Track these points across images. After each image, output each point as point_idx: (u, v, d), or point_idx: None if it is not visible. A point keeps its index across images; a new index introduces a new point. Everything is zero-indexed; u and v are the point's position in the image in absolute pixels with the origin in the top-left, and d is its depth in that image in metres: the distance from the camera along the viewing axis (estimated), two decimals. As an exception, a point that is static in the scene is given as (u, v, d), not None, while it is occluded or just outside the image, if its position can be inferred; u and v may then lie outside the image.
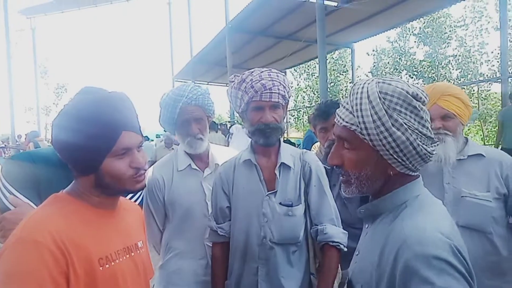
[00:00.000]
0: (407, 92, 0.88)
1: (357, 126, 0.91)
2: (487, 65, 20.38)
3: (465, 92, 1.79)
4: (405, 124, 0.87)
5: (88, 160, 1.01)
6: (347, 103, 0.96)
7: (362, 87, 0.93)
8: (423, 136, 0.90)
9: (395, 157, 0.89)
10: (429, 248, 0.78)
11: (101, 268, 0.99)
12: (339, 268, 1.69)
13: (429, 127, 0.92)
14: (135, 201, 1.57)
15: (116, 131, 1.02)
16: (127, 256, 1.10)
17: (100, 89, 1.08)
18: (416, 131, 0.88)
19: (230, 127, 7.56)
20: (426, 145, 0.90)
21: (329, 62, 23.74)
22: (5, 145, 10.61)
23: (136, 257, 1.14)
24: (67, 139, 1.01)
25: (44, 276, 0.89)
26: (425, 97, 0.91)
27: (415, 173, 0.95)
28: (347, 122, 0.94)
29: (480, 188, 1.62)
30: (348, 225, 1.71)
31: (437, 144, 0.94)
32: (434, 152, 0.93)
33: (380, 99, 0.89)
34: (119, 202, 1.17)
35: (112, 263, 1.03)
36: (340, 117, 0.97)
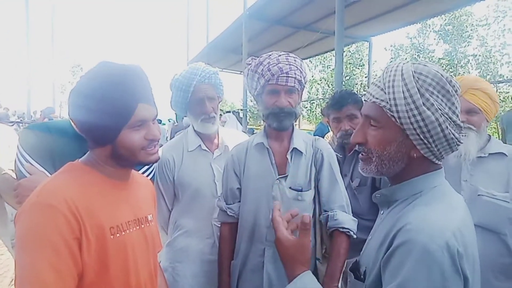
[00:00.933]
0: (442, 75, 0.88)
1: (387, 102, 0.90)
2: (508, 67, 19.92)
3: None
4: (436, 105, 0.86)
5: (105, 132, 1.03)
6: (379, 81, 0.95)
7: (397, 66, 0.92)
8: (452, 122, 0.88)
9: (422, 137, 0.88)
10: (423, 237, 0.77)
11: (111, 236, 1.02)
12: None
13: (459, 115, 0.90)
14: (148, 175, 1.60)
15: (133, 104, 1.03)
16: (137, 227, 1.12)
17: (115, 63, 1.08)
18: (446, 115, 0.87)
19: (222, 115, 7.50)
20: (454, 131, 0.89)
21: (346, 55, 23.42)
22: (20, 120, 10.79)
23: (146, 229, 1.17)
24: (84, 112, 1.02)
25: (58, 240, 0.92)
26: (458, 87, 0.90)
27: (438, 162, 0.93)
28: (377, 98, 0.93)
29: (498, 188, 1.58)
30: (358, 215, 1.72)
31: (464, 135, 0.93)
32: (461, 141, 0.92)
33: (414, 77, 0.88)
34: (132, 175, 1.20)
35: (123, 233, 1.06)
36: (371, 94, 0.96)
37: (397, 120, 0.89)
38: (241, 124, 10.27)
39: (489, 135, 1.71)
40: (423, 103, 0.86)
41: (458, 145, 0.92)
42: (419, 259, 0.75)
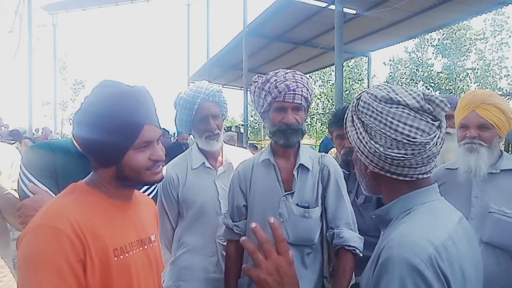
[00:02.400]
0: (376, 97, 0.93)
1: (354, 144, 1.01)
2: (507, 80, 20.08)
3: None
4: (368, 125, 0.93)
5: (111, 153, 1.03)
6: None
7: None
8: (387, 137, 0.89)
9: (384, 170, 0.94)
10: (405, 252, 0.77)
11: (115, 258, 1.01)
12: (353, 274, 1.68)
13: (403, 132, 0.88)
14: (149, 194, 1.59)
15: (139, 125, 1.03)
16: (140, 248, 1.11)
17: (119, 83, 1.09)
18: (379, 132, 0.90)
19: (187, 138, 7.48)
20: (393, 148, 0.88)
21: (345, 70, 23.66)
22: (19, 131, 10.86)
23: (149, 250, 1.16)
24: (90, 134, 1.02)
25: (62, 263, 0.91)
26: (413, 101, 0.88)
27: (424, 177, 0.92)
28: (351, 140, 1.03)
29: (510, 206, 1.53)
30: (364, 232, 1.70)
31: (412, 149, 0.90)
32: (407, 156, 0.88)
33: (355, 113, 0.99)
34: (134, 195, 1.19)
35: (126, 255, 1.05)
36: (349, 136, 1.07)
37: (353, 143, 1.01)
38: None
39: (501, 150, 1.68)
40: (352, 124, 1.00)
41: (406, 160, 0.88)
42: (404, 275, 0.75)
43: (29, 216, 1.01)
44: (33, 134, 14.33)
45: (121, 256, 1.03)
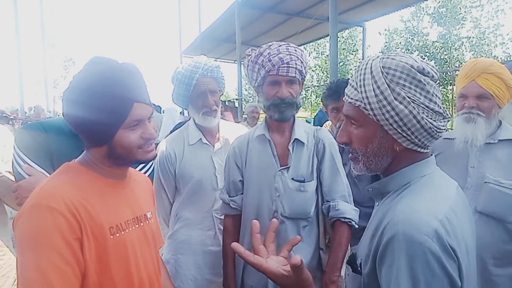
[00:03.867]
0: (412, 66, 0.88)
1: (361, 101, 0.91)
2: (502, 48, 19.95)
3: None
4: (409, 97, 0.87)
5: (101, 132, 1.02)
6: (353, 81, 0.97)
7: (366, 64, 0.93)
8: (429, 110, 0.88)
9: (399, 131, 0.89)
10: (410, 229, 0.78)
11: (111, 236, 1.02)
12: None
13: (438, 102, 0.90)
14: (146, 172, 1.59)
15: (129, 103, 1.02)
16: (137, 226, 1.12)
17: (109, 60, 1.06)
18: (422, 105, 0.87)
19: (163, 111, 7.31)
20: (433, 119, 0.89)
21: (339, 40, 23.32)
22: (14, 116, 10.73)
23: (146, 227, 1.16)
24: (80, 113, 1.01)
25: (60, 241, 0.91)
26: (435, 72, 0.90)
27: (425, 150, 0.94)
28: (352, 98, 0.94)
29: (506, 176, 1.54)
30: (359, 204, 1.72)
31: (448, 120, 0.92)
32: (443, 128, 0.91)
33: (382, 73, 0.88)
34: (129, 173, 1.19)
35: (122, 232, 1.05)
36: (347, 94, 0.98)
37: (374, 117, 0.90)
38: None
39: (500, 120, 1.67)
40: (394, 97, 0.87)
41: (440, 132, 0.92)
42: (412, 253, 0.76)
43: (25, 197, 1.01)
44: (25, 113, 14.17)
45: (117, 234, 1.04)
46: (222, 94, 2.04)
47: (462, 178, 1.59)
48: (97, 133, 1.02)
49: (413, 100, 0.87)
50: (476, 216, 1.54)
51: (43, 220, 0.92)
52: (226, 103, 13.29)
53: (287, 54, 1.55)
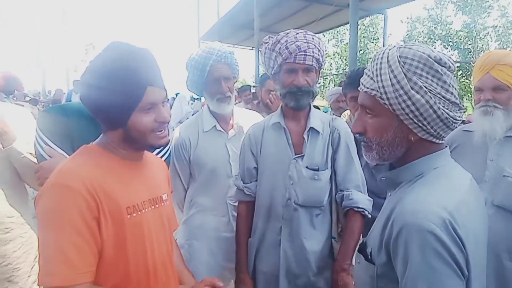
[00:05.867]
0: (429, 56, 0.87)
1: (377, 91, 0.91)
2: (530, 38, 19.20)
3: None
4: (425, 87, 0.86)
5: (115, 115, 1.05)
6: (369, 70, 0.96)
7: (383, 53, 0.93)
8: (446, 100, 0.88)
9: (415, 121, 0.89)
10: (419, 219, 0.79)
11: (128, 216, 1.05)
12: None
13: (454, 93, 0.90)
14: (162, 156, 1.62)
15: (142, 87, 1.04)
16: (152, 207, 1.15)
17: (126, 44, 1.08)
18: (438, 95, 0.87)
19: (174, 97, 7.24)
20: (449, 110, 0.89)
21: (360, 28, 22.86)
22: (36, 99, 10.98)
23: (161, 208, 1.19)
24: (95, 96, 1.04)
25: (78, 220, 0.95)
26: (452, 63, 0.90)
27: (440, 141, 0.94)
28: (367, 87, 0.94)
29: None
30: (375, 194, 1.71)
31: (464, 111, 0.91)
32: (459, 118, 0.91)
33: (399, 62, 0.88)
34: (145, 156, 1.21)
35: (139, 213, 1.08)
36: (362, 84, 0.97)
37: (390, 107, 0.90)
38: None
39: None
40: (411, 87, 0.87)
41: (456, 123, 0.92)
42: (422, 242, 0.78)
43: (46, 178, 1.05)
44: (47, 96, 14.47)
45: (134, 214, 1.06)
46: (236, 81, 2.04)
47: (480, 171, 1.56)
48: (112, 116, 1.05)
49: (430, 90, 0.87)
50: (493, 210, 1.52)
51: (62, 199, 0.96)
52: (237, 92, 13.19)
53: (304, 42, 1.54)
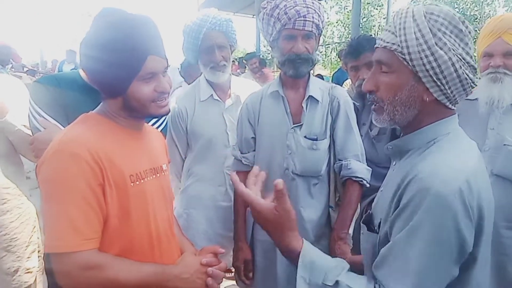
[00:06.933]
0: (454, 14, 0.86)
1: (398, 45, 0.88)
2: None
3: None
4: (449, 45, 0.85)
5: (116, 83, 1.04)
6: (390, 26, 0.93)
7: (408, 8, 0.90)
8: (465, 62, 0.86)
9: (435, 79, 0.86)
10: (435, 183, 0.78)
11: (132, 184, 1.05)
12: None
13: (473, 56, 0.88)
14: (158, 127, 1.60)
15: (142, 56, 1.02)
16: (153, 176, 1.15)
17: (119, 10, 1.06)
18: (460, 56, 0.85)
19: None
20: (469, 71, 0.87)
21: (363, -6, 22.22)
22: (34, 70, 10.87)
23: (162, 178, 1.20)
24: (94, 66, 1.03)
25: (84, 186, 0.95)
26: (472, 29, 0.88)
27: (452, 107, 0.92)
28: (388, 42, 0.91)
29: None
30: (375, 164, 1.70)
31: (479, 78, 0.89)
32: (476, 82, 0.90)
33: (425, 17, 0.86)
34: (144, 126, 1.21)
35: (142, 181, 1.09)
36: (382, 39, 0.94)
37: (409, 62, 0.87)
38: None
39: None
40: (435, 42, 0.84)
41: (473, 87, 0.90)
42: (432, 205, 0.77)
43: (42, 149, 1.04)
44: (46, 67, 14.32)
45: (137, 182, 1.07)
46: (234, 50, 1.98)
47: (481, 140, 1.54)
48: (112, 85, 1.04)
49: (453, 48, 0.85)
50: (492, 179, 1.51)
51: (67, 166, 0.95)
52: (243, 60, 13.04)
53: (304, 7, 1.49)
